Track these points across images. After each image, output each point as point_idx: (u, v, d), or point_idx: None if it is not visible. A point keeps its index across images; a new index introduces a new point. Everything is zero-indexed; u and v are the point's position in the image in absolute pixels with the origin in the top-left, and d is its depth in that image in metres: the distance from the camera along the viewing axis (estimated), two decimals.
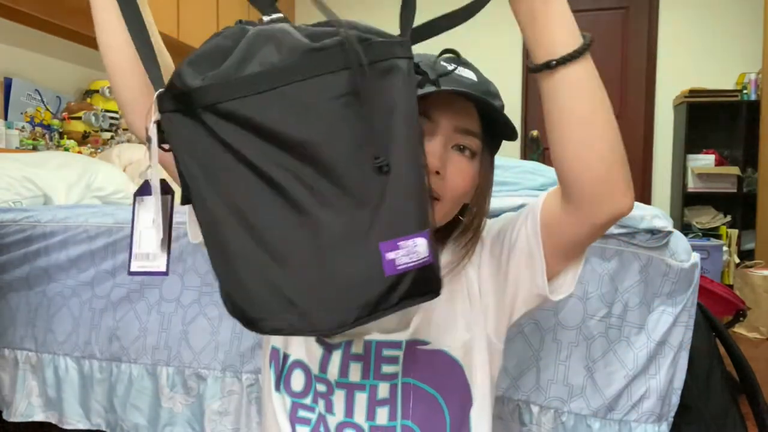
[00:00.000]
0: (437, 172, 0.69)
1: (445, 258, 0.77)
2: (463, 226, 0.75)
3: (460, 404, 0.75)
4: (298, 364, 0.76)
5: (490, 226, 0.78)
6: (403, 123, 0.51)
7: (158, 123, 0.53)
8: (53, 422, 1.44)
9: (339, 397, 0.74)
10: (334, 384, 0.74)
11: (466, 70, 0.72)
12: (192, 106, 0.50)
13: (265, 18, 0.56)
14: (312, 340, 0.75)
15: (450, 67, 0.70)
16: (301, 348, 0.76)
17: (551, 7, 0.57)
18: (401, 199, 0.50)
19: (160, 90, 0.53)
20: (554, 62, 0.56)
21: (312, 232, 0.49)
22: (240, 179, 0.50)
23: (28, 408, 1.45)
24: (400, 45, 0.53)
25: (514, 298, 0.73)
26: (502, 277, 0.73)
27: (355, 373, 0.73)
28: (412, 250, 0.49)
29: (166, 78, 0.54)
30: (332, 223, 0.49)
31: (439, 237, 0.77)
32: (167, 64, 0.71)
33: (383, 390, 0.73)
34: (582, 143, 0.57)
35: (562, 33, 0.57)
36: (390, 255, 0.49)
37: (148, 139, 0.54)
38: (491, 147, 0.76)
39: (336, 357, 0.74)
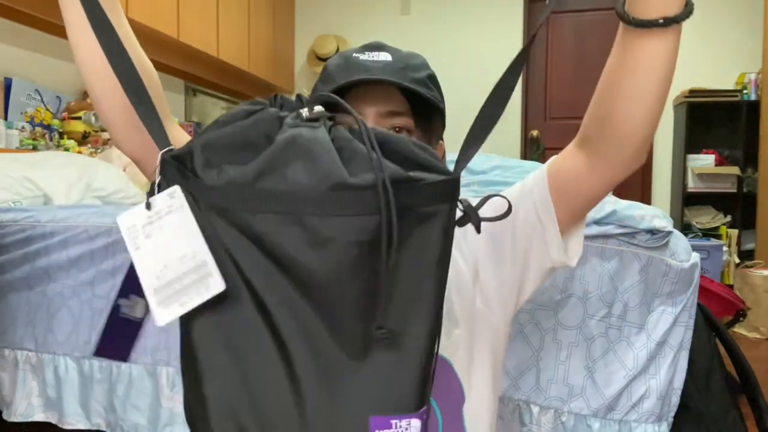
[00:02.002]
0: None
1: None
2: None
3: (451, 402, 0.74)
4: None
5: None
6: (428, 284, 0.45)
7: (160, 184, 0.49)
8: (53, 422, 1.44)
9: None
10: None
11: (382, 53, 0.73)
12: (200, 199, 0.46)
13: (305, 112, 0.47)
14: None
15: (362, 57, 0.71)
16: None
17: None
18: (404, 373, 0.45)
19: (167, 154, 0.49)
20: (663, 21, 0.52)
21: (300, 399, 0.45)
22: (238, 305, 0.45)
23: (28, 408, 1.45)
24: (449, 186, 0.46)
25: (522, 277, 0.73)
26: (506, 258, 0.73)
27: None
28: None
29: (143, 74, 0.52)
30: (322, 391, 0.44)
31: None
32: (148, 73, 0.67)
33: None
34: (657, 102, 0.58)
35: None
36: None
37: (150, 194, 0.49)
38: (431, 122, 0.76)
39: None
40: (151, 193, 0.49)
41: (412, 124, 0.73)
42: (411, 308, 0.45)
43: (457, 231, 0.77)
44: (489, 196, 0.50)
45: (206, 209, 0.46)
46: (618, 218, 1.10)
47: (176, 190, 0.47)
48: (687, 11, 0.52)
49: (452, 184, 0.46)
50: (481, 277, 0.76)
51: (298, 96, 0.50)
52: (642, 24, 0.53)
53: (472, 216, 0.48)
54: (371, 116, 0.71)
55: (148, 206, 0.48)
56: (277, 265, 0.44)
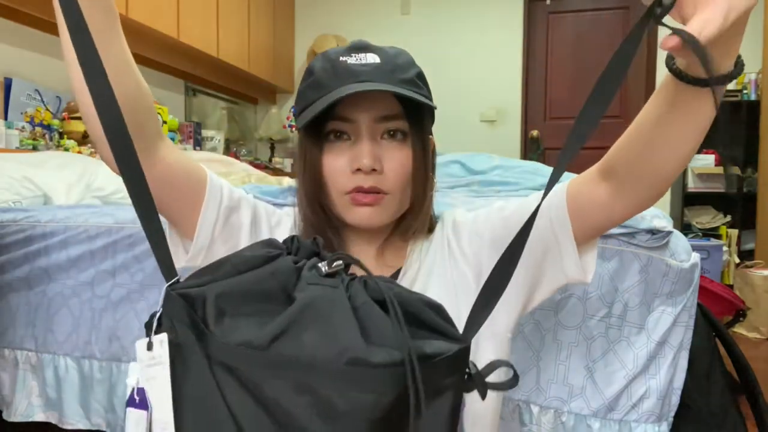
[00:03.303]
0: (374, 170, 0.69)
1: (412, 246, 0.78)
2: (409, 203, 0.76)
3: None
4: None
5: (484, 216, 0.78)
6: None
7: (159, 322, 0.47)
8: (53, 422, 1.44)
9: None
10: None
11: (369, 55, 0.71)
12: (209, 352, 0.44)
13: (323, 266, 0.46)
14: None
15: (350, 60, 0.70)
16: None
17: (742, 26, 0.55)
18: None
19: (174, 290, 0.46)
20: (722, 78, 0.54)
21: None
22: None
23: (28, 408, 1.45)
24: (462, 355, 0.45)
25: (532, 289, 0.74)
26: (519, 271, 0.73)
27: None
28: None
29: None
30: None
31: (402, 229, 0.77)
32: (146, 99, 0.65)
33: None
34: (695, 149, 0.61)
35: (737, 50, 0.55)
36: None
37: (150, 347, 0.47)
38: (422, 119, 0.75)
39: None
40: (149, 326, 0.47)
41: (405, 125, 0.73)
42: None
43: (464, 230, 0.78)
44: (496, 363, 0.47)
45: (215, 363, 0.44)
46: None
47: (164, 339, 0.46)
48: (740, 68, 0.54)
49: (464, 352, 0.45)
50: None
51: (314, 239, 0.50)
52: (702, 83, 0.53)
53: (478, 385, 0.46)
54: (366, 122, 0.71)
55: (150, 346, 0.47)
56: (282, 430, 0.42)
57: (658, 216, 1.11)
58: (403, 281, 0.76)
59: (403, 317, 0.43)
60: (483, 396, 0.46)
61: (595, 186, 0.68)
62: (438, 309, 0.46)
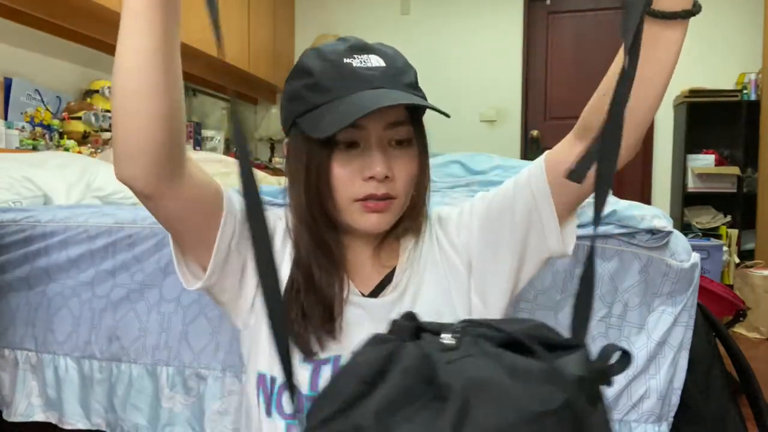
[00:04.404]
0: (387, 177, 0.70)
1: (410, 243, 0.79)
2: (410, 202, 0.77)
3: None
4: (285, 386, 0.73)
5: (468, 208, 0.79)
6: None
7: None
8: (53, 422, 1.43)
9: None
10: None
11: (372, 57, 0.71)
12: None
13: (446, 339, 0.46)
14: (297, 360, 0.73)
15: (355, 63, 0.69)
16: None
17: None
18: None
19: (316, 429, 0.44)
20: (684, 12, 0.58)
21: None
22: None
23: (28, 408, 1.45)
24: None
25: (519, 267, 0.75)
26: (503, 249, 0.74)
27: None
28: None
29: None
30: None
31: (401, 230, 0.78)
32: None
33: None
34: (664, 90, 0.62)
35: None
36: None
37: None
38: (422, 123, 0.76)
39: (326, 372, 0.73)
40: None
41: (411, 131, 0.73)
42: None
43: (450, 224, 0.79)
44: (610, 348, 0.46)
45: None
46: (618, 218, 1.10)
47: None
48: (698, 6, 0.59)
49: (587, 353, 0.45)
50: (476, 269, 0.77)
51: (409, 314, 0.49)
52: (668, 16, 0.58)
53: (608, 376, 0.45)
54: (376, 130, 0.70)
55: None
56: None
57: (658, 216, 1.11)
58: (401, 279, 0.77)
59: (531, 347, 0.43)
60: (610, 384, 0.46)
61: (570, 148, 0.68)
62: (542, 326, 0.47)
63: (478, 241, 0.76)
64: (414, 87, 0.72)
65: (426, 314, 0.72)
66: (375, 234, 0.76)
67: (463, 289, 0.77)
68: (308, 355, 0.73)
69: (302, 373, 0.73)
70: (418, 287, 0.77)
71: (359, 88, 0.68)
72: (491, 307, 0.76)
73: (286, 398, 0.74)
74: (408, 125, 0.72)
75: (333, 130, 0.66)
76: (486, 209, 0.76)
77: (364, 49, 0.71)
